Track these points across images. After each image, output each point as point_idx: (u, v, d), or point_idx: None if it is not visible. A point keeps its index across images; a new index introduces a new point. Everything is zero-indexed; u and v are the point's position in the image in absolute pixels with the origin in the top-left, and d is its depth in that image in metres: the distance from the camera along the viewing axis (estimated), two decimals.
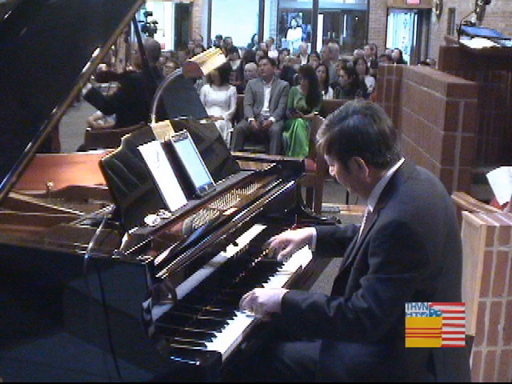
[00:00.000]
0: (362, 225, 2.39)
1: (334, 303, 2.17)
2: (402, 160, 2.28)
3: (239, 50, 14.52)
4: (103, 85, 6.89)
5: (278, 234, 2.82)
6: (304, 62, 12.80)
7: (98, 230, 2.25)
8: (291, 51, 16.52)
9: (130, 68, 6.26)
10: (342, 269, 2.37)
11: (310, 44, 18.53)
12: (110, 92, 6.20)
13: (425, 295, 2.12)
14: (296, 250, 2.79)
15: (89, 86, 5.11)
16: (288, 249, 2.75)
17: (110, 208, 2.54)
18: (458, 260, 2.28)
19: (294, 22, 21.59)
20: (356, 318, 2.11)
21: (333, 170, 2.34)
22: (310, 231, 2.75)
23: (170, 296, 2.24)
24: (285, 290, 2.35)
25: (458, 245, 2.29)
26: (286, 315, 2.28)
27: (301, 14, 22.84)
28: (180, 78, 3.29)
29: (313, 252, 2.85)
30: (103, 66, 8.54)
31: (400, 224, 2.10)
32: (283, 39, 21.27)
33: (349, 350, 2.23)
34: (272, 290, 2.43)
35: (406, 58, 19.10)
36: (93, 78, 5.25)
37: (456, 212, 4.10)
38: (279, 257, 2.77)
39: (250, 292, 2.41)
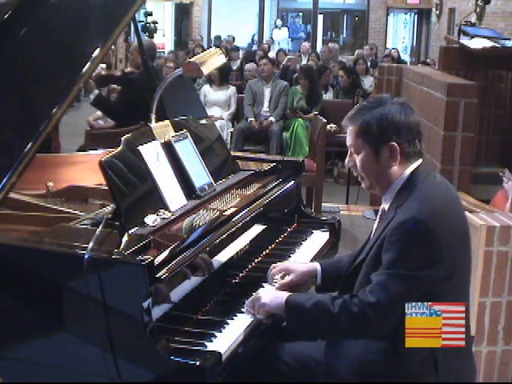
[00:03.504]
0: (376, 224, 2.38)
1: (338, 300, 2.17)
2: (421, 160, 2.28)
3: (240, 50, 14.51)
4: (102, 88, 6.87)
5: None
6: (305, 61, 12.78)
7: (98, 230, 2.25)
8: (275, 50, 16.41)
9: (129, 69, 6.25)
10: (353, 266, 2.37)
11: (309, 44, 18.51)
12: (111, 95, 6.19)
13: (434, 297, 2.11)
14: (295, 283, 2.61)
15: (96, 91, 5.11)
16: (288, 279, 2.58)
17: (109, 208, 2.54)
18: (468, 265, 2.28)
19: (278, 22, 21.42)
20: (361, 312, 2.10)
21: (351, 161, 2.31)
22: (314, 266, 2.62)
23: (168, 298, 2.24)
24: (288, 293, 2.35)
25: (470, 249, 2.28)
26: (290, 316, 2.28)
27: (301, 13, 22.83)
28: (180, 78, 3.28)
29: (317, 287, 2.64)
30: (103, 69, 8.54)
31: (418, 221, 2.09)
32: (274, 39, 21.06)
33: (353, 348, 2.23)
34: (276, 292, 2.42)
35: (406, 57, 19.08)
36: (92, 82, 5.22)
37: None
38: (276, 286, 2.59)
39: (259, 291, 2.42)
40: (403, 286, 2.09)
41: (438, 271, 2.10)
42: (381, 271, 2.13)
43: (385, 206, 2.32)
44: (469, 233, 2.28)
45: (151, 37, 11.02)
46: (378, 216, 2.39)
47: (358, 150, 2.27)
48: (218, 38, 18.11)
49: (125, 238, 2.28)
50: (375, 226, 2.38)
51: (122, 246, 2.22)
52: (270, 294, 2.38)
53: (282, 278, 2.63)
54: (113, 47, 12.26)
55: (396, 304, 2.10)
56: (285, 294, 2.32)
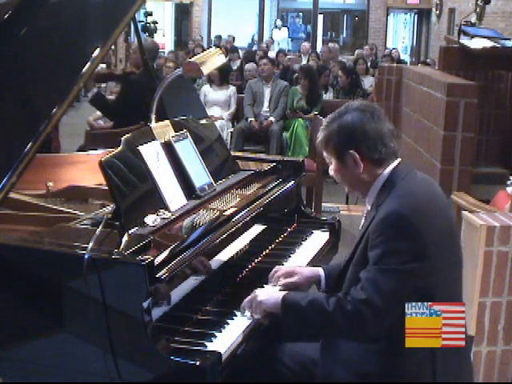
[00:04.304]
0: (361, 224, 2.40)
1: (333, 298, 2.17)
2: (399, 160, 2.31)
3: (239, 50, 14.51)
4: (102, 85, 6.88)
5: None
6: (305, 61, 12.79)
7: (98, 230, 2.25)
8: (275, 50, 16.41)
9: (129, 69, 6.25)
10: (342, 266, 2.37)
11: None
12: (110, 94, 6.19)
13: (425, 293, 2.12)
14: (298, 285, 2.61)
15: (94, 90, 5.11)
16: (293, 279, 2.57)
17: (109, 208, 2.54)
18: (457, 261, 2.28)
19: (278, 22, 21.43)
20: (355, 310, 2.11)
21: (332, 169, 2.36)
22: (318, 271, 2.61)
23: (168, 298, 2.24)
24: (285, 292, 2.35)
25: (457, 244, 2.30)
26: (286, 314, 2.28)
27: (301, 13, 22.84)
28: (180, 78, 3.29)
29: (322, 291, 2.61)
30: (103, 70, 8.54)
31: (399, 215, 2.12)
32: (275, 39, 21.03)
33: (349, 349, 2.23)
34: (273, 291, 2.44)
35: (406, 57, 19.09)
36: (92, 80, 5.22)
37: (456, 212, 4.10)
38: (280, 283, 2.60)
39: (256, 291, 2.41)
40: (392, 280, 2.10)
41: (425, 265, 2.10)
42: (369, 268, 2.15)
43: (368, 206, 2.34)
44: (454, 229, 2.29)
45: (151, 37, 11.02)
46: (363, 217, 2.41)
47: (329, 161, 2.35)
48: (218, 37, 18.11)
49: (125, 238, 2.29)
50: (361, 226, 2.39)
51: (122, 246, 2.22)
52: (267, 293, 2.39)
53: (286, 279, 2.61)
54: (113, 47, 12.26)
55: (388, 299, 2.10)
56: (281, 293, 2.33)
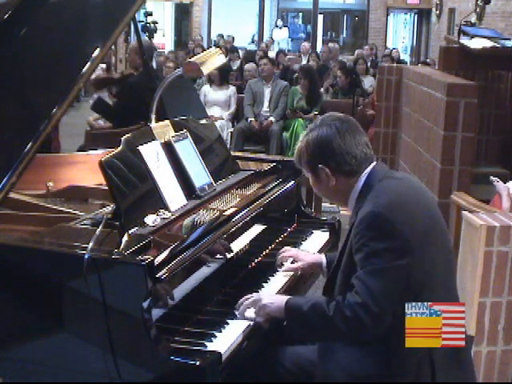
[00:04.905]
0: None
1: (333, 302, 2.18)
2: (374, 163, 2.32)
3: (239, 50, 14.50)
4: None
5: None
6: (305, 61, 12.78)
7: (98, 230, 2.25)
8: (275, 50, 16.41)
9: (128, 71, 6.25)
10: (331, 272, 2.39)
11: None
12: (111, 98, 6.19)
13: (417, 291, 2.12)
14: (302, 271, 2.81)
15: (95, 96, 5.11)
16: (296, 265, 2.77)
17: (109, 208, 2.54)
18: (447, 259, 2.28)
19: (279, 22, 21.46)
20: (354, 314, 2.11)
21: (310, 183, 2.40)
22: (321, 258, 2.77)
23: (168, 298, 2.24)
24: (288, 297, 2.36)
25: (444, 240, 2.29)
26: (289, 319, 2.29)
27: (301, 13, 22.83)
28: (180, 78, 3.29)
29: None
30: (103, 70, 8.53)
31: (374, 215, 2.14)
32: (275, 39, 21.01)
33: (347, 351, 2.22)
34: (276, 295, 2.47)
35: (406, 58, 19.08)
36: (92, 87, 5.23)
37: (456, 212, 4.09)
38: (283, 269, 2.80)
39: (254, 294, 2.42)
40: (381, 280, 2.10)
41: (410, 261, 2.10)
42: (358, 273, 2.16)
43: (350, 212, 2.36)
44: (439, 227, 2.28)
45: (151, 37, 11.02)
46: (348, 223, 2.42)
47: (306, 175, 2.39)
48: (220, 36, 18.08)
49: (125, 238, 2.29)
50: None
51: (122, 246, 2.22)
52: (271, 297, 2.40)
53: (292, 262, 2.79)
54: (113, 47, 12.26)
55: (382, 301, 2.10)
56: (285, 297, 2.34)
